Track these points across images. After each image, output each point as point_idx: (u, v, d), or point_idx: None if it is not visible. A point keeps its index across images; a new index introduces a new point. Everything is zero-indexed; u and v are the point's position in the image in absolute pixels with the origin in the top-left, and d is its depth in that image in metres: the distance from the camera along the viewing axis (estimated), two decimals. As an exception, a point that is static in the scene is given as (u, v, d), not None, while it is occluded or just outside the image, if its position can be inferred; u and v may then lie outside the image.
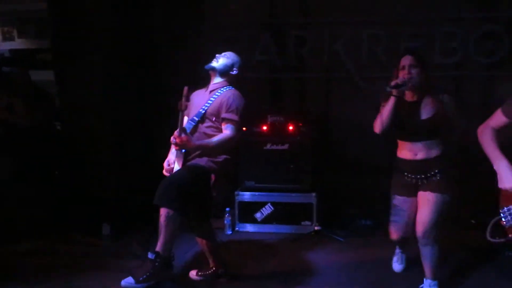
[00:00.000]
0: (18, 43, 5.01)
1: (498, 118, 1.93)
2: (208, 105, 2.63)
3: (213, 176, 2.54)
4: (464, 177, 3.67)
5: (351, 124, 3.81)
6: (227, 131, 2.57)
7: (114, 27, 3.70)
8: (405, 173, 2.42)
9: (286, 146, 3.74)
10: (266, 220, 3.75)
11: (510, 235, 1.87)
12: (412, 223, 2.44)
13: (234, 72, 2.72)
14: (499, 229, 1.92)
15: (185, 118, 2.65)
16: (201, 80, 2.81)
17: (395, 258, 2.87)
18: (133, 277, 2.39)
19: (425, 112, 2.35)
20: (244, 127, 3.43)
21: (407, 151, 2.41)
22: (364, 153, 3.79)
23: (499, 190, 1.91)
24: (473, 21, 3.82)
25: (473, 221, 3.36)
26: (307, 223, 3.69)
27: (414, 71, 2.32)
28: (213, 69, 2.69)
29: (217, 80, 2.72)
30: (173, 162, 2.63)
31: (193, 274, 2.86)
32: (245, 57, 4.04)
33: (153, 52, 4.01)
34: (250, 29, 4.13)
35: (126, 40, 3.77)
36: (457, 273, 2.85)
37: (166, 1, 4.07)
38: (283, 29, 4.11)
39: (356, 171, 3.85)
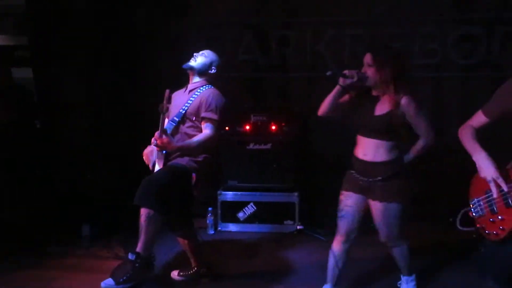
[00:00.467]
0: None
1: (478, 118, 1.94)
2: (188, 105, 2.62)
3: (194, 176, 2.53)
4: (441, 175, 3.77)
5: (334, 123, 3.81)
6: (206, 130, 2.56)
7: (94, 24, 3.65)
8: (353, 171, 2.36)
9: (269, 146, 3.75)
10: (249, 220, 3.76)
11: (478, 225, 1.92)
12: (358, 221, 2.36)
13: (213, 71, 2.70)
14: (468, 219, 1.98)
15: (166, 120, 2.63)
16: (183, 78, 2.79)
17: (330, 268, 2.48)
18: (113, 278, 2.38)
19: (379, 109, 2.25)
20: (224, 126, 3.43)
21: (359, 148, 2.34)
22: (346, 153, 3.80)
23: (470, 182, 1.98)
24: (452, 23, 3.90)
25: (451, 219, 3.42)
26: (290, 222, 3.71)
27: (369, 70, 2.25)
28: (191, 68, 2.67)
29: (196, 79, 2.70)
30: (151, 153, 2.62)
31: (174, 274, 2.85)
32: (229, 57, 4.09)
33: (134, 51, 3.96)
34: (234, 28, 4.12)
35: (107, 38, 3.72)
36: (437, 272, 2.91)
37: (148, 0, 4.02)
38: (266, 29, 4.12)
39: (339, 171, 3.88)
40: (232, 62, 4.10)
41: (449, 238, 3.31)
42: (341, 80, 2.23)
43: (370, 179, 2.27)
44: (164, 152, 2.54)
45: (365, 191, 2.32)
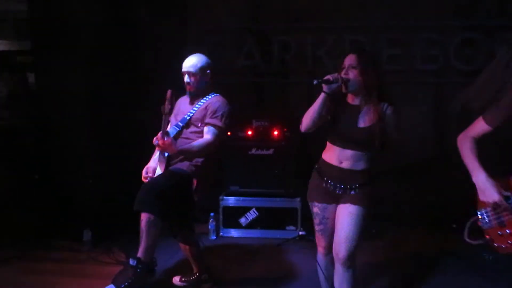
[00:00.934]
0: (-3, 45, 4.91)
1: (479, 127, 1.84)
2: (193, 111, 2.62)
3: (195, 181, 2.53)
4: (443, 181, 3.77)
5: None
6: (208, 135, 2.55)
7: (96, 29, 3.65)
8: (325, 178, 2.19)
9: (271, 151, 3.74)
10: (251, 225, 3.74)
11: (487, 236, 1.86)
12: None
13: (208, 72, 2.66)
14: (476, 230, 1.92)
15: (168, 121, 2.63)
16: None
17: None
18: (115, 284, 2.36)
19: (363, 120, 2.11)
20: (227, 131, 3.42)
21: (333, 155, 2.17)
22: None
23: (476, 192, 1.93)
24: (453, 29, 3.91)
25: (454, 226, 3.42)
26: (292, 228, 3.69)
27: (351, 72, 2.09)
28: (191, 93, 2.65)
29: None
30: (151, 170, 2.61)
31: (176, 280, 2.83)
32: (230, 62, 4.11)
33: (136, 55, 3.97)
34: (235, 34, 4.14)
35: (109, 43, 3.73)
36: (439, 278, 2.89)
37: (149, 5, 4.04)
38: (267, 35, 4.14)
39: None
40: (233, 67, 4.12)
41: (451, 244, 3.30)
42: (325, 87, 2.06)
43: (348, 186, 2.15)
44: (165, 154, 2.54)
45: (335, 199, 2.19)
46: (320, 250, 2.33)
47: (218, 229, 3.77)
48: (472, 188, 1.92)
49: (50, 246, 3.39)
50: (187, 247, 2.71)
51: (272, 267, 3.16)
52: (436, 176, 3.81)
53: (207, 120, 2.57)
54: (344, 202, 2.16)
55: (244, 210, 3.75)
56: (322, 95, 2.08)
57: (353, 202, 2.14)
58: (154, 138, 2.45)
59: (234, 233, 3.77)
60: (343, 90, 2.12)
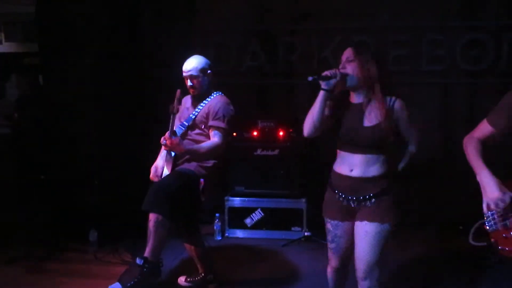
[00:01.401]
0: (5, 47, 4.97)
1: (484, 128, 1.84)
2: (197, 112, 2.63)
3: (202, 181, 2.53)
4: (449, 181, 3.75)
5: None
6: (215, 138, 2.55)
7: (103, 32, 3.68)
8: (336, 191, 2.00)
9: (276, 152, 3.74)
10: (256, 226, 3.74)
11: (492, 240, 1.85)
12: (350, 249, 2.04)
13: (209, 72, 2.66)
14: (482, 233, 1.91)
15: (176, 121, 2.64)
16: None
17: None
18: (121, 283, 2.38)
19: (368, 119, 1.92)
20: (232, 133, 3.43)
21: (343, 164, 1.98)
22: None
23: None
24: (459, 29, 3.90)
25: (461, 227, 3.40)
26: (297, 228, 3.68)
27: (349, 66, 1.93)
28: (195, 95, 2.65)
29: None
30: (161, 167, 2.62)
31: (182, 280, 2.84)
32: (235, 63, 4.12)
33: (142, 58, 3.99)
34: (240, 35, 4.15)
35: (115, 45, 3.75)
36: (446, 279, 2.87)
37: (155, 7, 4.06)
38: (272, 35, 4.14)
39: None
40: (238, 68, 4.13)
41: (457, 245, 3.29)
42: (323, 84, 1.92)
43: (361, 197, 1.94)
44: (172, 154, 2.55)
45: (352, 214, 1.99)
46: (332, 265, 2.15)
47: (224, 230, 3.78)
48: (478, 189, 1.93)
49: (56, 246, 3.40)
50: (193, 247, 2.72)
51: (277, 267, 3.15)
52: (443, 177, 3.79)
53: (210, 122, 2.58)
54: (361, 219, 1.95)
55: (249, 211, 3.75)
56: (321, 93, 1.94)
57: (369, 218, 1.93)
58: (162, 138, 2.47)
59: (239, 233, 3.77)
60: (341, 87, 1.95)
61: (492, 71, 3.86)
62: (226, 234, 3.77)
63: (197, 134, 2.62)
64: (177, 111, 2.51)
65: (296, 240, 3.62)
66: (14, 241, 3.46)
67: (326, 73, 1.92)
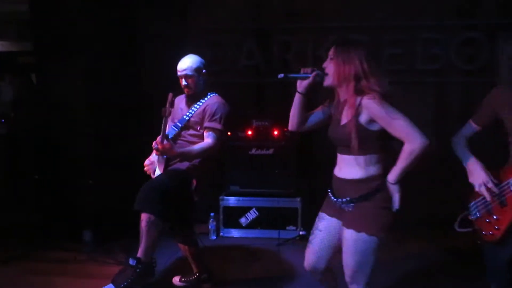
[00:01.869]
0: (-1, 46, 4.95)
1: (469, 127, 1.99)
2: (192, 112, 2.62)
3: (194, 181, 2.53)
4: (442, 180, 3.75)
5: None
6: (208, 139, 2.54)
7: (98, 31, 3.66)
8: (329, 190, 1.97)
9: (271, 151, 3.74)
10: (251, 225, 3.74)
11: (476, 226, 1.95)
12: (327, 251, 1.93)
13: (204, 72, 2.65)
14: (467, 222, 2.00)
15: (168, 124, 2.63)
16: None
17: None
18: (114, 284, 2.36)
19: (344, 117, 1.86)
20: (227, 131, 3.42)
21: (337, 163, 1.94)
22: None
23: (472, 190, 1.99)
24: (454, 28, 3.90)
25: (455, 226, 3.40)
26: (292, 228, 3.69)
27: (329, 64, 1.88)
28: (190, 94, 2.64)
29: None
30: (153, 164, 2.61)
31: (176, 280, 2.83)
32: (230, 62, 4.11)
33: (136, 57, 3.98)
34: (235, 34, 4.14)
35: (110, 44, 3.74)
36: (440, 277, 2.88)
37: (149, 5, 4.05)
38: (268, 34, 4.13)
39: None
40: (233, 67, 4.12)
41: (451, 244, 3.29)
42: (298, 86, 1.93)
43: (341, 200, 1.86)
44: (164, 156, 2.54)
45: (338, 215, 1.92)
46: (305, 267, 1.99)
47: (218, 229, 3.78)
48: (471, 187, 1.97)
49: (50, 247, 3.39)
50: (187, 247, 2.71)
51: (272, 267, 3.15)
52: (436, 175, 3.79)
53: (206, 124, 2.56)
54: (342, 223, 1.87)
55: (244, 210, 3.75)
56: (296, 95, 1.94)
57: (347, 224, 1.83)
58: (154, 142, 2.45)
59: (234, 233, 3.77)
60: (319, 86, 1.92)
61: (487, 70, 3.87)
62: (221, 234, 3.77)
63: (190, 135, 2.61)
64: (169, 114, 2.50)
65: (291, 239, 3.62)
66: (9, 242, 3.45)
67: (307, 70, 1.93)
